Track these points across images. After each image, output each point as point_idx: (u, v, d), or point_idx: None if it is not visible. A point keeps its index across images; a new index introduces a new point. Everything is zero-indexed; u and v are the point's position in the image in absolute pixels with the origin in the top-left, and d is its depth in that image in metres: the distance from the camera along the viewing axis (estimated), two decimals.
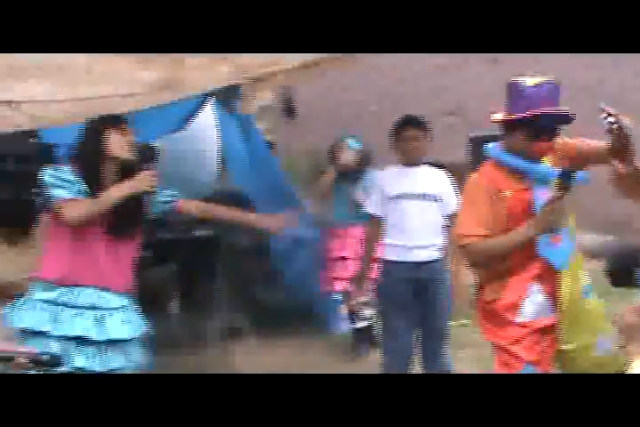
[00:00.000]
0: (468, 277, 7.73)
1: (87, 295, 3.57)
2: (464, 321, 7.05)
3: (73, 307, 3.54)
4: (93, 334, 3.52)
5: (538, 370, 3.21)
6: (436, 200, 4.74)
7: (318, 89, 10.85)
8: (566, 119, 3.25)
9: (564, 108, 3.24)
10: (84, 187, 3.53)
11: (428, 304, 4.80)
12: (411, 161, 4.80)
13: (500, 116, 3.35)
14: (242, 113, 5.85)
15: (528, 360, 3.20)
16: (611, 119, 2.95)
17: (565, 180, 3.13)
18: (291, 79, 4.17)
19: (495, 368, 3.35)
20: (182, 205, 3.83)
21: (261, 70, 3.76)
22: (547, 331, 3.26)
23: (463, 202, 3.44)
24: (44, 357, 3.01)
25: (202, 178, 7.10)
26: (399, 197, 4.76)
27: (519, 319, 3.25)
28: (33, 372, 2.84)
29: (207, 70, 3.49)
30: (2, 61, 3.14)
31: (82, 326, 3.52)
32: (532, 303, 3.25)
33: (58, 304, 3.53)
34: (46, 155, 5.63)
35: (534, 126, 3.22)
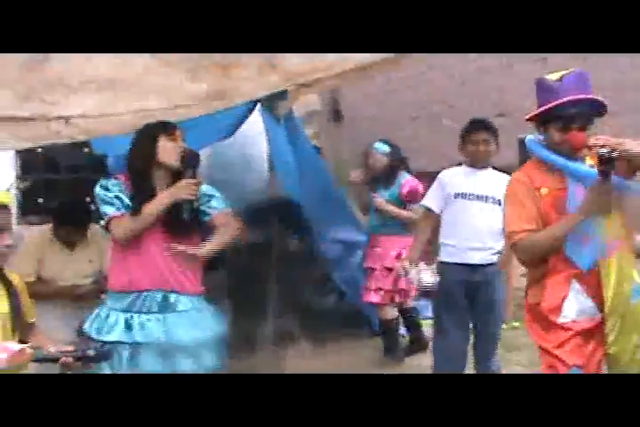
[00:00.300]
0: (518, 279, 7.67)
1: (155, 300, 3.62)
2: (515, 324, 7.00)
3: (143, 313, 3.60)
4: (161, 338, 3.57)
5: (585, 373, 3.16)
6: (497, 203, 4.70)
7: (366, 92, 10.82)
8: (594, 106, 3.21)
9: (581, 95, 3.18)
10: (130, 201, 3.57)
11: (481, 307, 4.77)
12: (478, 164, 4.76)
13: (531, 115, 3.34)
14: (289, 118, 5.88)
15: (573, 364, 3.16)
16: (604, 150, 2.94)
17: (606, 164, 3.03)
18: (338, 84, 4.19)
19: (542, 371, 3.32)
20: (216, 218, 3.79)
21: (308, 76, 3.78)
22: (593, 333, 3.21)
23: (507, 200, 3.38)
24: (89, 351, 3.06)
25: (251, 184, 7.15)
26: (459, 195, 4.73)
27: (561, 320, 3.20)
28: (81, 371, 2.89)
29: (256, 80, 3.52)
30: (54, 75, 3.20)
31: (152, 331, 3.57)
32: (573, 303, 3.20)
33: (129, 312, 3.60)
34: (98, 164, 5.72)
35: (562, 117, 3.18)
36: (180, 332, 3.62)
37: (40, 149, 7.67)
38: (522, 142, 9.10)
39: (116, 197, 3.58)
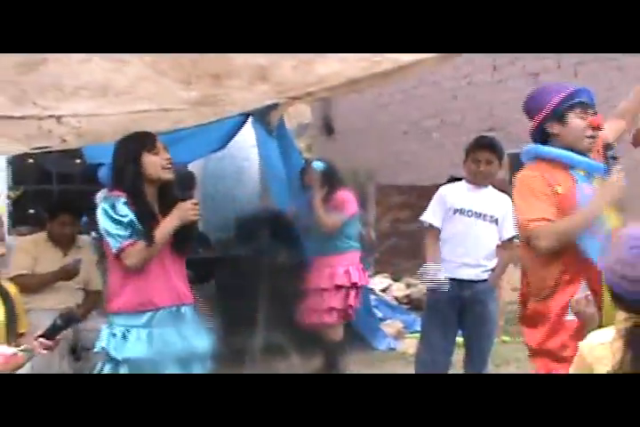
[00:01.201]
0: (509, 293, 7.67)
1: (172, 313, 3.62)
2: (505, 338, 7.01)
3: (162, 327, 3.60)
4: (181, 349, 3.58)
5: None
6: (494, 222, 4.70)
7: (357, 106, 10.89)
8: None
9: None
10: (136, 221, 3.50)
11: (470, 323, 4.76)
12: (479, 183, 4.75)
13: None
14: (281, 131, 5.91)
15: None
16: None
17: (610, 152, 3.23)
18: (329, 96, 4.20)
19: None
20: None
21: (300, 90, 3.80)
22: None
23: (521, 193, 3.37)
24: (57, 321, 3.10)
25: (243, 196, 7.16)
26: (458, 211, 4.72)
27: (569, 317, 3.19)
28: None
29: (246, 89, 3.52)
30: (47, 80, 3.21)
31: (173, 343, 3.57)
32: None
33: (148, 327, 3.57)
34: (90, 174, 5.74)
35: (582, 103, 3.34)
36: (194, 341, 3.65)
37: (32, 160, 7.68)
38: (511, 157, 9.11)
39: (130, 222, 3.53)
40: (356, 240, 6.00)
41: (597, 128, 3.32)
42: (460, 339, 4.91)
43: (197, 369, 3.63)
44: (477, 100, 10.26)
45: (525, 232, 3.32)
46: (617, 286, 2.21)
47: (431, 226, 4.82)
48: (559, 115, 3.34)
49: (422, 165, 10.52)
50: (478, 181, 4.74)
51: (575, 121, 3.32)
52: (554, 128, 3.37)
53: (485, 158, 4.72)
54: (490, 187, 4.82)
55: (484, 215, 4.70)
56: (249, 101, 3.83)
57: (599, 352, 2.24)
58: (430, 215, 4.84)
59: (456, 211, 4.73)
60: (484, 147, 4.76)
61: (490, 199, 4.76)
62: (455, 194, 4.80)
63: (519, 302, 3.45)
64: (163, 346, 3.57)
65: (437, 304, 4.75)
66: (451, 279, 4.69)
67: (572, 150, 3.34)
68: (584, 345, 2.33)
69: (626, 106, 3.68)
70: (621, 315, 2.25)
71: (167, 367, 3.55)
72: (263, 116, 5.22)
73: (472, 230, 4.71)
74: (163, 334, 3.59)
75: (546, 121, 3.37)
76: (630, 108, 3.67)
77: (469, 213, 4.70)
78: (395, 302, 8.40)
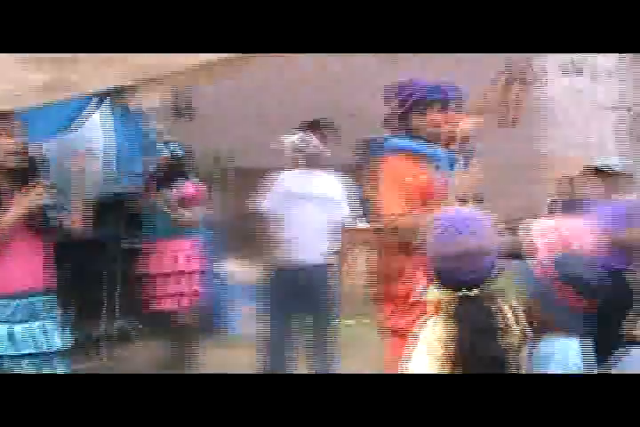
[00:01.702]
0: (360, 276, 7.80)
1: (33, 305, 3.51)
2: (365, 320, 7.15)
3: (24, 321, 3.46)
4: (44, 345, 3.50)
5: None
6: (327, 205, 4.79)
7: (220, 90, 10.82)
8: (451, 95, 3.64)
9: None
10: None
11: (310, 307, 4.85)
12: (309, 163, 4.83)
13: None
14: (131, 113, 5.80)
15: None
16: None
17: (464, 145, 3.56)
18: (184, 81, 4.16)
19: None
20: None
21: (153, 72, 3.75)
22: None
23: (386, 184, 3.56)
24: None
25: (93, 179, 6.97)
26: (293, 196, 4.78)
27: (415, 298, 3.30)
28: None
29: (99, 71, 3.45)
30: None
31: (36, 339, 3.47)
32: None
33: (11, 322, 3.44)
34: None
35: (420, 103, 3.55)
36: (55, 335, 3.56)
37: None
38: (365, 143, 9.23)
39: None
40: (200, 226, 6.00)
41: (454, 124, 3.56)
42: (304, 322, 4.98)
43: (59, 368, 3.52)
44: (331, 86, 10.39)
45: (391, 223, 3.44)
46: (435, 267, 2.33)
47: (268, 212, 4.86)
48: (421, 108, 3.56)
49: (276, 150, 10.57)
50: (310, 161, 4.82)
51: (435, 115, 3.56)
52: (415, 120, 3.55)
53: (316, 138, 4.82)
54: (322, 171, 4.91)
55: (318, 199, 4.79)
56: (101, 84, 3.75)
57: (433, 336, 2.31)
58: (267, 201, 4.88)
59: (290, 196, 4.78)
60: (310, 127, 4.87)
61: (322, 183, 4.87)
62: (291, 179, 4.86)
63: (371, 283, 3.58)
64: (25, 344, 3.44)
65: (276, 290, 4.80)
66: (289, 263, 4.74)
67: (429, 142, 3.56)
68: (425, 334, 2.38)
69: (482, 102, 3.98)
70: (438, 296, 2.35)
71: (24, 364, 3.43)
72: (115, 99, 5.11)
73: (306, 215, 4.80)
74: (25, 331, 3.46)
75: (407, 112, 3.54)
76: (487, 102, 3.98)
77: (303, 198, 4.77)
78: (246, 285, 8.43)
